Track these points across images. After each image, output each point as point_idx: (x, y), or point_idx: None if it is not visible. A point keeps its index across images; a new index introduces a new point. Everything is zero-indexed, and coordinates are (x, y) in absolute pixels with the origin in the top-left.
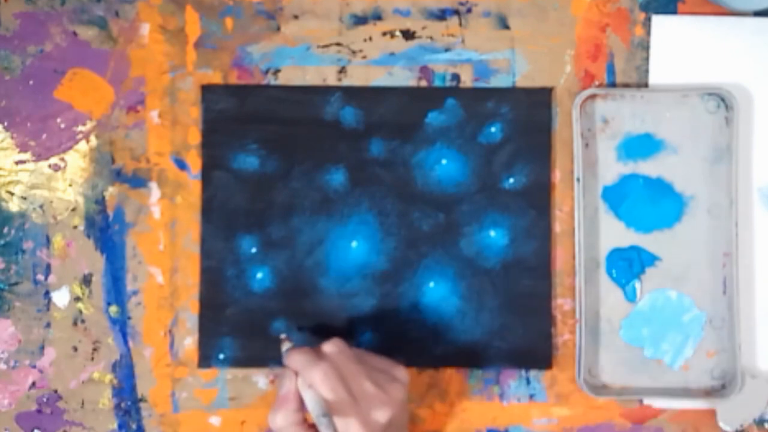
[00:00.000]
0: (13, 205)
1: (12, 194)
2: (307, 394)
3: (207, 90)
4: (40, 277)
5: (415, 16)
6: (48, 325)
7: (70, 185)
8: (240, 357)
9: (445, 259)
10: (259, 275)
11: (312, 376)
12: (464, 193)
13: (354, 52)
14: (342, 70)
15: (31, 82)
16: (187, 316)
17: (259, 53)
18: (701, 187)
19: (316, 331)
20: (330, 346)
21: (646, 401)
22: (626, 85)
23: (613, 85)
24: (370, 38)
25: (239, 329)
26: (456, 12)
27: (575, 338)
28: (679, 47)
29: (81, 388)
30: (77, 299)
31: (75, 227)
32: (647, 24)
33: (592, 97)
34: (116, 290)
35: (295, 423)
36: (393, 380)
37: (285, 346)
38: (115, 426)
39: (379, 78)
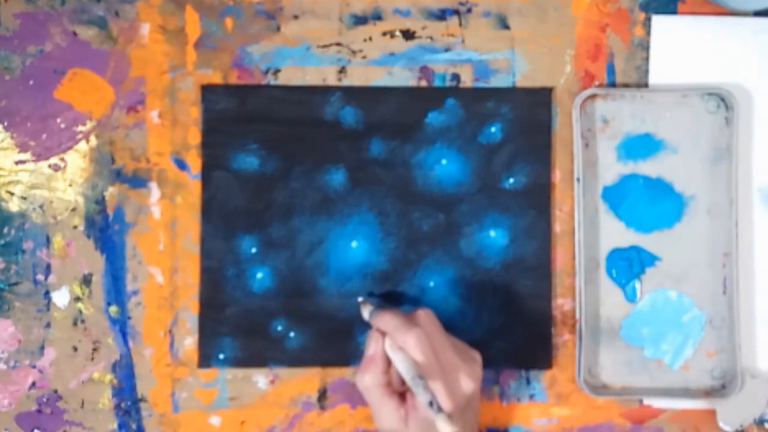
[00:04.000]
0: (13, 205)
1: (12, 194)
2: (398, 356)
3: (207, 90)
4: (40, 277)
5: (415, 16)
6: (48, 325)
7: (70, 185)
8: (240, 357)
9: (445, 259)
10: (259, 275)
11: (405, 339)
12: (464, 193)
13: (354, 52)
14: (342, 70)
15: (31, 82)
16: (187, 316)
17: (259, 53)
18: (701, 187)
19: (316, 331)
20: (423, 314)
21: (646, 401)
22: (626, 85)
23: (613, 85)
24: (370, 38)
25: (239, 329)
26: (456, 12)
27: (575, 338)
28: (679, 47)
29: (81, 388)
30: (77, 299)
31: (75, 227)
32: (647, 24)
33: (592, 97)
34: (116, 290)
35: (381, 384)
36: (472, 359)
37: (366, 308)
38: (115, 426)
39: (379, 78)
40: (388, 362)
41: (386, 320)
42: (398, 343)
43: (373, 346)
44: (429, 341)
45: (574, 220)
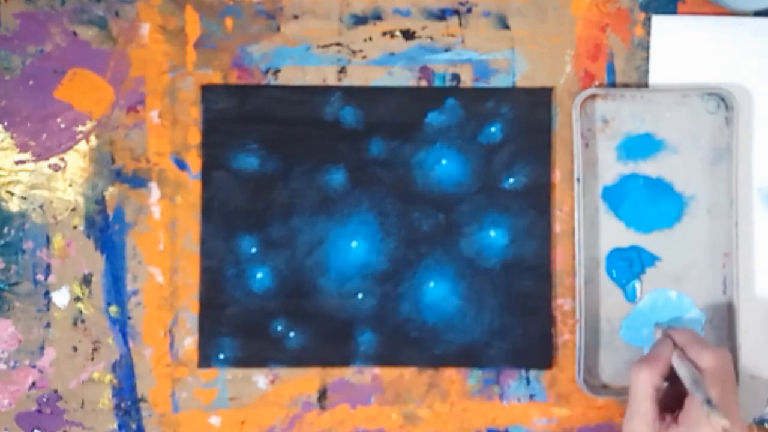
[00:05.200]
0: (13, 205)
1: (12, 194)
2: (684, 363)
3: (207, 90)
4: (40, 277)
5: (415, 16)
6: (48, 325)
7: (70, 185)
8: (240, 357)
9: (445, 259)
10: (259, 275)
11: (704, 356)
12: (464, 193)
13: (354, 52)
14: (342, 70)
15: (31, 82)
16: (187, 316)
17: (259, 53)
18: (701, 187)
19: (316, 331)
20: (723, 353)
21: None
22: (626, 85)
23: (613, 85)
24: (370, 38)
25: (239, 329)
26: (456, 12)
27: (575, 338)
28: (679, 47)
29: (81, 388)
30: (77, 299)
31: (75, 227)
32: (647, 24)
33: (592, 97)
34: (116, 290)
35: (654, 385)
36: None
37: (659, 329)
38: (115, 426)
39: (379, 78)
40: (668, 368)
41: (687, 334)
42: (690, 355)
43: (661, 349)
44: (723, 374)
45: (574, 220)
